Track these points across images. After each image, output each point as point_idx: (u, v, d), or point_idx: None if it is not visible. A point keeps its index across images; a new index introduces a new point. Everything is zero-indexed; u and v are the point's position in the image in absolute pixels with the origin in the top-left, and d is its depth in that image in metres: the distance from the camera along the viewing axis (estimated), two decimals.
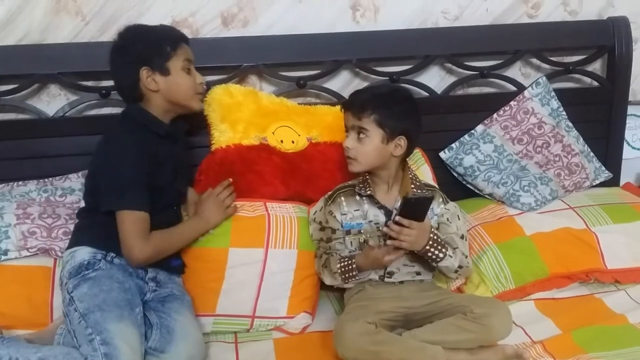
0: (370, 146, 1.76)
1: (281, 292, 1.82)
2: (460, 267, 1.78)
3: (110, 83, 2.07)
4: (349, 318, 1.64)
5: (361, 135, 1.76)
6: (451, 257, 1.74)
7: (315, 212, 1.88)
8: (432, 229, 1.73)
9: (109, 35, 2.11)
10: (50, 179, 2.01)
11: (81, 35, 2.10)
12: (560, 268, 1.95)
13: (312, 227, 1.88)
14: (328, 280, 1.81)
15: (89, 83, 2.11)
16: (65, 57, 2.04)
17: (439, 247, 1.72)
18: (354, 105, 1.78)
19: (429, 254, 1.72)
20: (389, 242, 1.67)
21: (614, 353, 1.61)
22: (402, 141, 1.77)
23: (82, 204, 1.82)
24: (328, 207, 1.83)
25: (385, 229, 1.72)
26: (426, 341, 1.55)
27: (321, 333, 1.77)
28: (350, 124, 1.78)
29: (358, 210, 1.81)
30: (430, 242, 1.70)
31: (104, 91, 2.08)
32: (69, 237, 1.76)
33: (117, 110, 2.17)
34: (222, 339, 1.77)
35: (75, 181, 2.01)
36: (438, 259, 1.73)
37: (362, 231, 1.79)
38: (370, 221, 1.80)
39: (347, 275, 1.74)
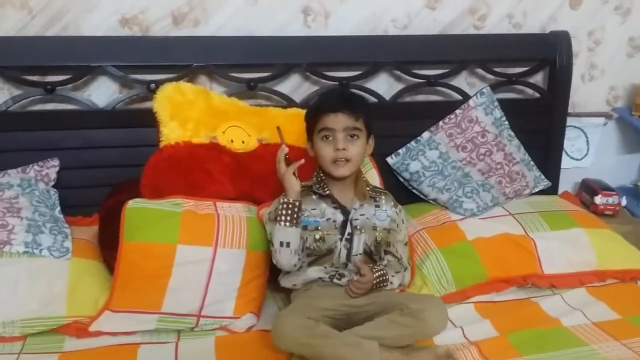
0: (361, 147, 1.80)
1: (228, 292, 1.81)
2: (401, 284, 1.85)
3: (56, 78, 2.06)
4: (289, 311, 1.66)
5: (354, 137, 1.78)
6: (392, 283, 1.80)
7: (270, 212, 1.86)
8: (373, 268, 1.76)
9: (56, 30, 2.08)
10: None
11: (27, 29, 2.06)
12: (499, 272, 2.00)
13: (268, 226, 1.85)
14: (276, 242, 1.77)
15: (34, 78, 2.07)
16: (9, 50, 2.00)
17: (383, 284, 1.78)
18: (351, 106, 1.78)
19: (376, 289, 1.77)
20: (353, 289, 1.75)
21: (547, 355, 1.66)
22: (371, 141, 1.83)
23: (21, 199, 1.77)
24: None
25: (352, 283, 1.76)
26: (366, 337, 1.57)
27: (264, 332, 1.77)
28: (342, 126, 1.77)
29: (315, 209, 1.82)
30: (375, 283, 1.75)
31: (49, 86, 2.04)
32: (6, 229, 1.72)
33: (62, 106, 2.13)
34: (164, 339, 1.75)
35: (14, 176, 1.96)
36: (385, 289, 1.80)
37: (319, 228, 1.80)
38: (328, 219, 1.81)
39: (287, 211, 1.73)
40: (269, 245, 1.81)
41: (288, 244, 1.73)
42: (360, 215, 1.83)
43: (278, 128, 1.84)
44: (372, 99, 2.33)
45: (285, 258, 1.75)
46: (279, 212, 1.72)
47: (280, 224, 1.72)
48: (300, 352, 1.55)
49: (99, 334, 1.74)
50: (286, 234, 1.72)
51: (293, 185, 1.74)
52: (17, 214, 1.83)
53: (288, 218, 1.72)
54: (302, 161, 1.76)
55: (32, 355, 1.65)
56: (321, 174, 1.85)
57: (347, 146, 1.77)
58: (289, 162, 1.76)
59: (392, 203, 1.91)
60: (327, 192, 1.82)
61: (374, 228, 1.84)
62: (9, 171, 1.99)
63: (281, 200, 1.73)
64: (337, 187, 1.84)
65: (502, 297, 1.99)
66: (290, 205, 1.72)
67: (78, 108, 2.12)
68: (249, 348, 1.72)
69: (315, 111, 1.82)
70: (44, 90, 2.05)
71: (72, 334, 1.74)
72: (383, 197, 1.91)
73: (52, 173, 2.04)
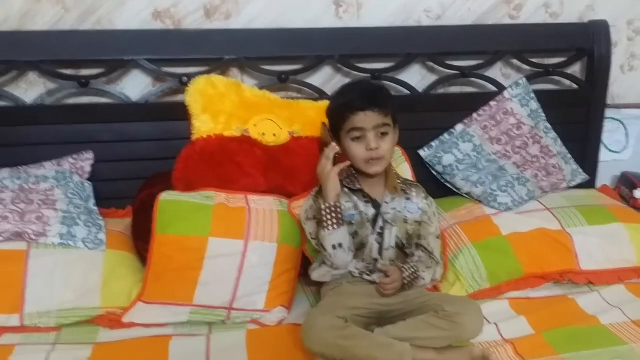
0: (391, 142, 1.78)
1: (259, 285, 1.81)
2: (433, 280, 1.81)
3: (90, 72, 2.08)
4: (319, 312, 1.64)
5: (384, 133, 1.75)
6: (424, 279, 1.77)
7: (306, 210, 1.85)
8: (403, 268, 1.74)
9: (89, 24, 2.10)
10: (24, 167, 1.99)
11: (61, 23, 2.08)
12: (535, 268, 1.97)
13: (307, 225, 1.83)
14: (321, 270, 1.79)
15: (68, 71, 2.09)
16: (45, 44, 2.02)
17: (415, 282, 1.75)
18: (379, 103, 1.74)
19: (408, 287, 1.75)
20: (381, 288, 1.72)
21: (584, 354, 1.62)
22: (397, 132, 1.81)
23: (56, 192, 1.78)
24: (319, 202, 1.81)
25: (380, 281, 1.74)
26: (398, 338, 1.55)
27: (295, 326, 1.76)
28: (373, 124, 1.73)
29: (349, 202, 1.80)
30: (406, 282, 1.72)
31: (83, 80, 2.07)
32: (42, 221, 1.75)
33: (96, 99, 2.16)
34: (196, 332, 1.76)
35: (50, 169, 1.99)
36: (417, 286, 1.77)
37: (353, 222, 1.78)
38: (360, 212, 1.80)
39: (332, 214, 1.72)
40: (307, 242, 1.82)
41: (341, 245, 1.72)
42: (392, 209, 1.81)
43: (324, 124, 1.81)
44: (405, 91, 2.31)
45: (341, 259, 1.74)
46: (325, 218, 1.71)
47: (328, 230, 1.71)
48: (331, 353, 1.53)
49: (132, 325, 1.76)
50: (337, 236, 1.72)
51: (336, 186, 1.73)
52: (53, 206, 1.86)
53: (334, 221, 1.71)
54: (349, 163, 1.75)
55: (67, 346, 1.67)
56: (352, 169, 1.83)
57: (379, 144, 1.74)
58: (334, 161, 1.73)
59: (423, 195, 1.88)
60: (358, 186, 1.81)
61: (405, 221, 1.81)
62: (45, 164, 2.01)
63: (323, 207, 1.71)
64: (368, 181, 1.82)
65: (538, 293, 1.96)
66: (333, 209, 1.71)
67: (112, 101, 2.14)
68: (279, 341, 1.72)
69: (343, 110, 1.76)
70: (78, 83, 2.07)
71: (106, 325, 1.76)
72: (414, 189, 1.88)
73: (87, 166, 2.07)
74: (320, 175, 1.73)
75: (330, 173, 1.71)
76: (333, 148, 1.72)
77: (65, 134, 2.08)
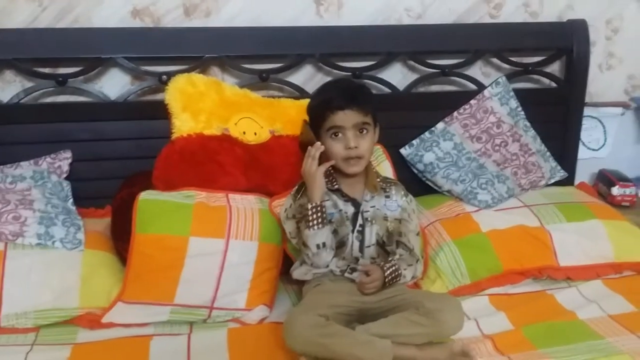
0: (371, 141, 1.78)
1: (241, 284, 1.80)
2: (414, 277, 1.81)
3: (68, 70, 2.06)
4: (301, 310, 1.64)
5: (364, 131, 1.75)
6: (405, 277, 1.76)
7: (286, 209, 1.85)
8: (384, 266, 1.72)
9: (67, 21, 2.08)
10: (1, 166, 1.97)
11: (38, 21, 2.06)
12: (514, 264, 1.98)
13: (287, 224, 1.84)
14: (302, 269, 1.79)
15: (46, 70, 2.07)
16: (21, 42, 2.00)
17: (396, 280, 1.73)
18: (359, 101, 1.73)
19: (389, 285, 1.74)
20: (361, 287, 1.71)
21: (563, 349, 1.63)
22: (377, 131, 1.80)
23: (34, 191, 1.77)
24: (298, 201, 1.81)
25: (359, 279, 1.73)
26: (379, 335, 1.55)
27: (276, 324, 1.76)
28: (352, 122, 1.73)
29: (329, 200, 1.80)
30: (387, 280, 1.71)
31: (60, 78, 2.04)
32: (19, 221, 1.73)
33: (73, 98, 2.13)
34: (176, 331, 1.75)
35: (27, 169, 1.97)
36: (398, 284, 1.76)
37: (332, 220, 1.78)
38: (340, 210, 1.80)
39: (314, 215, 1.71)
40: (287, 240, 1.83)
41: (324, 244, 1.72)
42: (371, 207, 1.81)
43: (305, 122, 1.80)
44: (386, 90, 2.31)
45: (323, 258, 1.74)
46: (310, 217, 1.71)
47: (313, 229, 1.71)
48: (313, 351, 1.53)
49: (111, 325, 1.75)
50: (321, 235, 1.72)
51: (322, 185, 1.73)
52: (30, 206, 1.84)
53: (320, 220, 1.71)
54: (333, 162, 1.75)
55: (45, 347, 1.65)
56: (330, 169, 1.83)
57: (358, 142, 1.74)
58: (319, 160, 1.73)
59: (403, 192, 1.89)
60: (336, 186, 1.81)
61: (385, 218, 1.82)
62: (22, 163, 1.99)
63: (309, 206, 1.71)
64: (347, 180, 1.82)
65: (517, 289, 1.97)
66: (319, 208, 1.71)
67: (90, 100, 2.12)
68: (261, 340, 1.71)
69: (323, 108, 1.76)
70: (55, 82, 2.05)
71: (85, 325, 1.75)
72: (393, 187, 1.88)
73: (65, 165, 2.05)
74: (306, 174, 1.73)
75: (316, 172, 1.71)
76: (318, 147, 1.72)
77: (42, 133, 2.05)
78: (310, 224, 1.71)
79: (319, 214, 1.71)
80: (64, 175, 2.04)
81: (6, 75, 2.09)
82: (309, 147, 1.72)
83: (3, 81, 2.09)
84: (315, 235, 1.71)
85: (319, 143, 1.72)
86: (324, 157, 1.74)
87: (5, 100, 2.04)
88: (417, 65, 2.36)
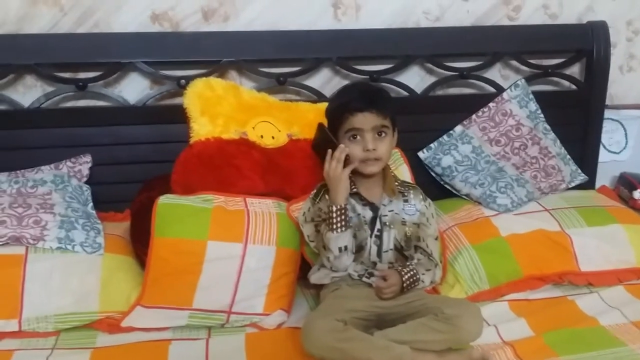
0: (389, 144, 1.78)
1: (258, 288, 1.80)
2: (432, 282, 1.80)
3: (88, 75, 2.08)
4: (318, 315, 1.63)
5: (382, 134, 1.76)
6: (423, 282, 1.76)
7: (304, 213, 1.85)
8: (402, 271, 1.72)
9: (87, 26, 2.10)
10: (22, 170, 1.99)
11: (59, 27, 2.08)
12: (534, 270, 1.96)
13: (305, 228, 1.84)
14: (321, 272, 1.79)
15: (66, 75, 2.09)
16: (43, 47, 2.02)
17: (414, 285, 1.73)
18: (378, 104, 1.74)
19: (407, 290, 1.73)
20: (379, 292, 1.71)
21: (585, 356, 1.62)
22: (396, 133, 1.81)
23: (54, 195, 1.78)
24: (317, 205, 1.81)
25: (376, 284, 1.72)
26: (397, 340, 1.55)
27: (294, 329, 1.76)
28: (371, 125, 1.73)
29: (347, 204, 1.79)
30: (405, 285, 1.70)
31: (80, 83, 2.06)
32: (40, 225, 1.74)
33: (93, 102, 2.15)
34: (195, 336, 1.76)
35: (48, 173, 1.99)
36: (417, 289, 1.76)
37: (351, 225, 1.77)
38: (358, 214, 1.79)
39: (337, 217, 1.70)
40: (305, 244, 1.83)
41: (346, 247, 1.72)
42: (390, 211, 1.80)
43: (322, 125, 1.79)
44: (403, 93, 2.31)
45: (344, 262, 1.74)
46: (334, 220, 1.70)
47: (337, 232, 1.70)
48: (331, 356, 1.53)
49: (131, 329, 1.76)
50: (344, 238, 1.72)
51: (347, 188, 1.73)
52: (50, 210, 1.86)
53: (343, 223, 1.71)
54: (356, 164, 1.75)
55: (66, 351, 1.66)
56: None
57: (377, 145, 1.74)
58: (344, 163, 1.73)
59: (421, 197, 1.88)
60: (355, 189, 1.80)
61: (403, 223, 1.81)
62: (42, 167, 2.01)
63: (334, 209, 1.70)
64: (365, 184, 1.81)
65: (537, 295, 1.95)
66: (343, 210, 1.71)
67: (109, 104, 2.14)
68: (279, 345, 1.71)
69: (342, 110, 1.76)
70: (75, 87, 2.07)
71: (105, 329, 1.76)
72: (411, 191, 1.87)
73: (85, 169, 2.06)
74: (330, 177, 1.72)
75: (341, 175, 1.71)
76: (343, 150, 1.71)
77: (63, 137, 2.07)
78: (334, 226, 1.70)
79: (343, 217, 1.71)
80: (84, 179, 2.05)
81: (27, 80, 2.11)
82: (330, 150, 1.71)
83: (24, 86, 2.12)
84: (338, 238, 1.71)
85: (342, 145, 1.72)
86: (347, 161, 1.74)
87: (27, 104, 2.07)
88: (435, 68, 2.35)
